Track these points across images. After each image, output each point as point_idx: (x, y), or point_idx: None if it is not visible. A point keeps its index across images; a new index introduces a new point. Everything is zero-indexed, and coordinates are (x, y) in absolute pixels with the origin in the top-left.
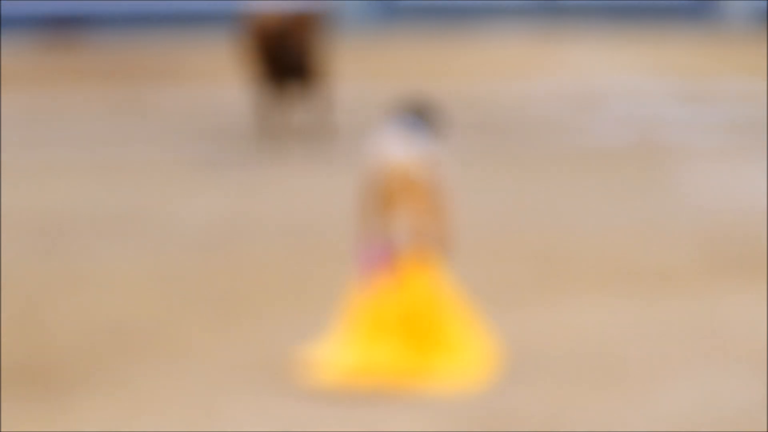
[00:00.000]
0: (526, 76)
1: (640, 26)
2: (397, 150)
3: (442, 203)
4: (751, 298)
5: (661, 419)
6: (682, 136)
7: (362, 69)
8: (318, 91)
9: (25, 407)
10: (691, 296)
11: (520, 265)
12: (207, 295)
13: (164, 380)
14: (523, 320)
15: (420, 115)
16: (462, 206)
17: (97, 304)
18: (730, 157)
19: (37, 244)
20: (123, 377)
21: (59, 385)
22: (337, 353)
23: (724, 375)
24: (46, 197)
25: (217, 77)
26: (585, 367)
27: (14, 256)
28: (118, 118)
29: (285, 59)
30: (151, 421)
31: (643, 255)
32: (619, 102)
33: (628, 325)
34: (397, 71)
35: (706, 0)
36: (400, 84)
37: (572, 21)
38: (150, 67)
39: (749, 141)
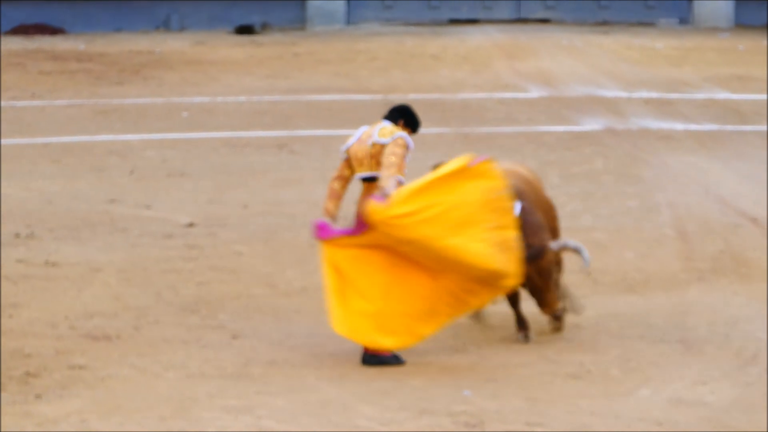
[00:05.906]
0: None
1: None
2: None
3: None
4: (730, 294)
5: (637, 418)
6: (656, 130)
7: None
8: None
9: (1, 404)
10: (669, 293)
11: None
12: (183, 292)
13: (140, 377)
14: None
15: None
16: None
17: (72, 301)
18: (705, 152)
19: (14, 242)
20: (99, 374)
21: (34, 383)
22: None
23: (700, 374)
24: (23, 195)
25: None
26: (563, 365)
27: None
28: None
29: None
30: (126, 418)
31: (620, 253)
32: (594, 97)
33: (609, 323)
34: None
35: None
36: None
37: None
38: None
39: (723, 135)
